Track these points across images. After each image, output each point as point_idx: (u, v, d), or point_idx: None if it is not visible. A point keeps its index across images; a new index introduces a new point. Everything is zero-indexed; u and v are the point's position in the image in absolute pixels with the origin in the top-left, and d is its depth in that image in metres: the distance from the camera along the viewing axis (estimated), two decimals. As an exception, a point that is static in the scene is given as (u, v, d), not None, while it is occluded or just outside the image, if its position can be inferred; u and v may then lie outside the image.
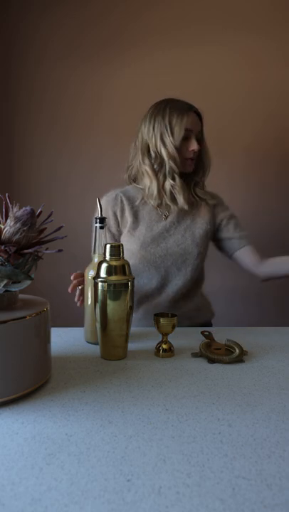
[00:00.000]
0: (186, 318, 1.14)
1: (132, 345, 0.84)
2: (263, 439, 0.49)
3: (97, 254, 0.87)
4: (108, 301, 0.75)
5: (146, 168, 1.12)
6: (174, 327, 0.81)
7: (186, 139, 1.10)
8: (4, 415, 0.55)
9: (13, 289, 0.62)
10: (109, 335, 0.76)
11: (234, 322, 1.49)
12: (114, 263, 0.77)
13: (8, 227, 0.60)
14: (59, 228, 0.65)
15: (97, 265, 0.80)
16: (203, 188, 1.21)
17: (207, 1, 1.89)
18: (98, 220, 0.87)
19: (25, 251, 0.60)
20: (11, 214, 0.61)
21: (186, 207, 1.12)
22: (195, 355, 0.80)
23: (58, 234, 0.64)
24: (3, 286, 0.59)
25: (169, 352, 0.80)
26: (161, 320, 0.80)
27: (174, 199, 1.13)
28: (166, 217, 1.15)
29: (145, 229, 1.13)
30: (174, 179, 1.10)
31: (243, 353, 0.78)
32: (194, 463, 0.44)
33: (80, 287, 0.96)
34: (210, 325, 1.25)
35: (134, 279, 0.79)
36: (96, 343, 0.84)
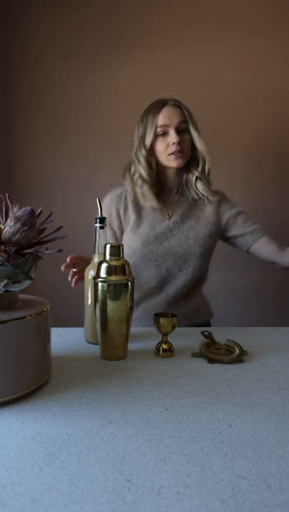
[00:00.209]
0: (185, 318, 1.14)
1: (132, 345, 0.84)
2: (263, 439, 0.49)
3: (97, 254, 0.87)
4: (108, 301, 0.75)
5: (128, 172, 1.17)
6: (174, 327, 0.81)
7: (164, 134, 1.09)
8: (4, 415, 0.55)
9: (13, 289, 0.62)
10: (109, 335, 0.76)
11: (234, 322, 1.48)
12: (114, 263, 0.77)
13: (8, 227, 0.60)
14: (59, 228, 0.65)
15: (97, 265, 0.80)
16: (207, 185, 1.16)
17: (207, 1, 1.89)
18: (98, 220, 0.88)
19: (25, 251, 0.60)
20: (11, 214, 0.61)
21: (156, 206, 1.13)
22: (195, 355, 0.80)
23: (58, 234, 0.64)
24: (3, 286, 0.59)
25: (169, 352, 0.80)
26: (161, 320, 0.80)
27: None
28: (170, 217, 1.15)
29: (148, 227, 1.13)
30: (141, 186, 1.13)
31: (243, 353, 0.78)
32: (194, 463, 0.44)
33: (74, 270, 0.95)
34: (209, 325, 1.25)
35: (134, 279, 0.79)
36: (96, 343, 0.84)
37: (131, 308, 0.78)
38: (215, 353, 0.79)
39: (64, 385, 0.65)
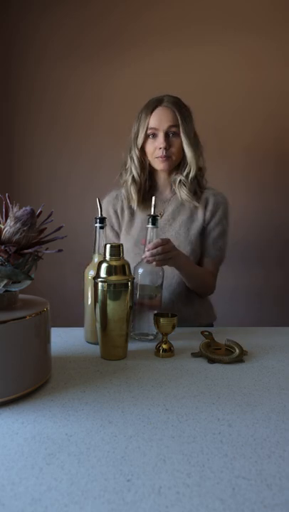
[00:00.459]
0: (186, 323, 1.12)
1: (132, 345, 0.84)
2: (263, 439, 0.49)
3: (97, 254, 0.87)
4: (108, 301, 0.75)
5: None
6: (174, 327, 0.81)
7: (154, 136, 1.10)
8: (4, 415, 0.55)
9: (13, 289, 0.62)
10: (109, 335, 0.76)
11: (234, 322, 1.49)
12: (114, 263, 0.77)
13: (8, 227, 0.60)
14: (59, 228, 0.65)
15: (97, 265, 0.80)
16: (190, 190, 1.13)
17: (207, 1, 1.89)
18: (98, 220, 0.88)
19: (25, 251, 0.60)
20: (11, 214, 0.61)
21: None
22: (195, 355, 0.80)
23: (58, 234, 0.64)
24: (3, 286, 0.59)
25: (169, 352, 0.80)
26: (161, 320, 0.80)
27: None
28: (162, 216, 1.16)
29: (140, 227, 1.15)
30: (129, 187, 1.14)
31: (243, 353, 0.78)
32: (194, 463, 0.44)
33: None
34: (211, 325, 1.24)
35: (134, 279, 0.79)
36: (96, 343, 0.84)
37: (131, 308, 0.78)
38: (215, 353, 0.79)
39: (64, 385, 0.65)
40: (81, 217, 1.59)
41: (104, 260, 0.78)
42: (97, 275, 0.77)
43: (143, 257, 0.89)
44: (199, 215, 1.15)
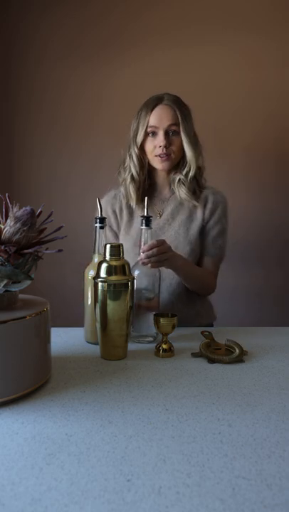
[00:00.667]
0: (186, 323, 1.12)
1: (132, 346, 0.84)
2: (263, 439, 0.49)
3: (97, 254, 0.87)
4: (108, 301, 0.75)
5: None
6: (174, 327, 0.81)
7: (154, 134, 1.09)
8: (4, 415, 0.55)
9: (13, 289, 0.62)
10: (109, 335, 0.76)
11: (234, 322, 1.48)
12: (114, 263, 0.77)
13: (8, 227, 0.60)
14: (59, 228, 0.65)
15: (97, 265, 0.80)
16: (189, 189, 1.13)
17: (207, 1, 1.89)
18: (98, 220, 0.88)
19: (25, 251, 0.60)
20: (11, 214, 0.61)
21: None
22: (195, 355, 0.80)
23: (58, 234, 0.64)
24: (3, 286, 0.59)
25: (169, 352, 0.80)
26: (161, 320, 0.80)
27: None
28: (161, 215, 1.15)
29: (139, 227, 1.13)
30: (128, 185, 1.14)
31: (243, 353, 0.78)
32: (194, 463, 0.44)
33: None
34: (211, 325, 1.24)
35: (134, 279, 0.79)
36: (96, 343, 0.84)
37: (131, 308, 0.78)
38: (215, 353, 0.79)
39: (64, 385, 0.65)
40: (81, 217, 1.59)
41: (104, 260, 0.78)
42: (97, 275, 0.77)
43: (138, 259, 0.89)
44: (198, 214, 1.15)
